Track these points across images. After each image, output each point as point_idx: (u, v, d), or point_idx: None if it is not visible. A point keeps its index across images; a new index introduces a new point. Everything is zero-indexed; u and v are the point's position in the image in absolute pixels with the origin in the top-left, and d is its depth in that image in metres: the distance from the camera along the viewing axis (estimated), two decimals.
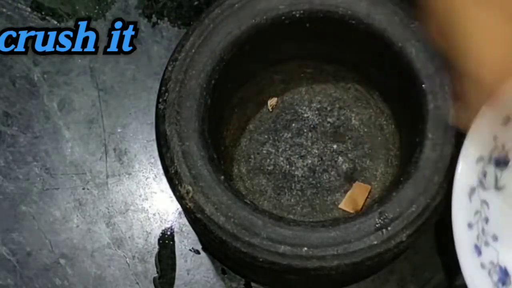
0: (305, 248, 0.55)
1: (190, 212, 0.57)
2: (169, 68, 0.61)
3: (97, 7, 0.80)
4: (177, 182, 0.58)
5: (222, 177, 0.58)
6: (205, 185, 0.57)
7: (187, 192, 0.57)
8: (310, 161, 0.69)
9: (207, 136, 0.60)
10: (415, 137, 0.59)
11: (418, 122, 0.60)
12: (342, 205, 0.67)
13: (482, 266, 0.58)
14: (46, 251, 0.72)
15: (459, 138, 0.58)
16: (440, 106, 0.59)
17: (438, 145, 0.58)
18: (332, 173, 0.69)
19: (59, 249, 0.72)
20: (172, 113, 0.60)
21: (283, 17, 0.63)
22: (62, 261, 0.72)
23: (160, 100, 0.61)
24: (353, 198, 0.67)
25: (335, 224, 0.56)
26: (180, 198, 0.58)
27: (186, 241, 0.72)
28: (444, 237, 0.72)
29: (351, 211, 0.67)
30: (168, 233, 0.73)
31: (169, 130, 0.59)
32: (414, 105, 0.61)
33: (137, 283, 0.71)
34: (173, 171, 0.58)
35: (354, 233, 0.56)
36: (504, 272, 0.59)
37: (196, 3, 0.80)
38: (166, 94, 0.60)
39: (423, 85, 0.60)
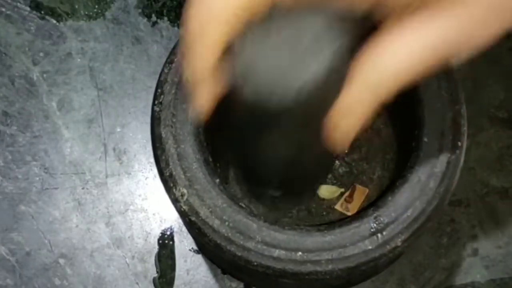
0: (300, 253, 0.55)
1: (185, 215, 0.57)
2: (165, 70, 0.61)
3: (96, 6, 0.79)
4: (172, 185, 0.58)
5: (218, 180, 0.58)
6: (200, 188, 0.57)
7: (182, 195, 0.57)
8: None
9: (202, 139, 0.59)
10: (412, 141, 0.59)
11: (415, 127, 0.59)
12: (338, 206, 0.67)
13: None
14: (45, 251, 0.72)
15: (455, 143, 0.57)
16: (436, 111, 0.59)
17: (434, 150, 0.58)
18: (329, 176, 0.68)
19: (58, 249, 0.72)
20: (168, 116, 0.59)
21: None
22: (61, 261, 0.72)
23: (156, 102, 0.60)
24: (349, 199, 0.67)
25: (330, 229, 0.56)
26: (174, 201, 0.58)
27: (186, 241, 0.72)
28: (444, 237, 0.71)
29: (347, 213, 0.67)
30: (168, 233, 0.72)
31: (164, 132, 0.59)
32: (410, 109, 0.60)
33: (137, 283, 0.71)
34: (168, 174, 0.58)
35: (349, 237, 0.55)
36: None
37: None
38: (162, 96, 0.60)
39: (419, 90, 0.59)
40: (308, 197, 0.68)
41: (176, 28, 0.79)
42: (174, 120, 0.59)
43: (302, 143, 0.50)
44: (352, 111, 0.44)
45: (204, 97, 0.47)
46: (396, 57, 0.43)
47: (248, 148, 0.53)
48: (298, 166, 0.55)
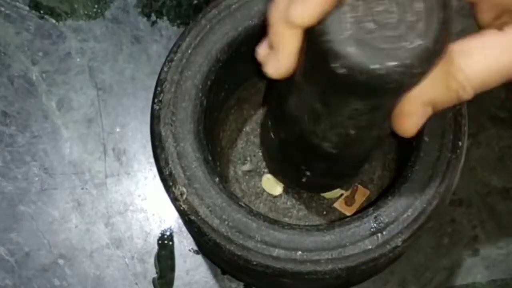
0: (299, 252, 0.55)
1: (184, 214, 0.57)
2: (165, 69, 0.61)
3: (96, 6, 0.79)
4: (171, 184, 0.57)
5: (217, 179, 0.58)
6: (200, 187, 0.57)
7: (181, 194, 0.57)
8: None
9: (202, 137, 0.59)
10: (412, 141, 0.59)
11: None
12: (337, 205, 0.67)
13: None
14: (44, 252, 0.72)
15: (456, 143, 0.57)
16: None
17: (435, 150, 0.57)
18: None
19: (57, 249, 0.72)
20: (167, 114, 0.59)
21: None
22: (60, 261, 0.71)
23: (156, 100, 0.60)
24: (349, 199, 0.67)
25: (330, 228, 0.55)
26: (174, 199, 0.57)
27: (186, 241, 0.72)
28: (445, 237, 0.71)
29: (346, 213, 0.66)
30: (168, 233, 0.72)
31: (163, 131, 0.59)
32: None
33: (136, 283, 0.71)
34: (167, 173, 0.58)
35: (349, 237, 0.55)
36: None
37: (195, 2, 0.79)
38: (162, 94, 0.60)
39: None
40: (334, 186, 0.68)
41: (175, 28, 0.78)
42: (173, 118, 0.59)
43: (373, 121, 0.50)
44: (434, 103, 0.47)
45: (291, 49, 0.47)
46: (484, 62, 0.45)
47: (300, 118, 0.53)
48: (353, 144, 0.55)
